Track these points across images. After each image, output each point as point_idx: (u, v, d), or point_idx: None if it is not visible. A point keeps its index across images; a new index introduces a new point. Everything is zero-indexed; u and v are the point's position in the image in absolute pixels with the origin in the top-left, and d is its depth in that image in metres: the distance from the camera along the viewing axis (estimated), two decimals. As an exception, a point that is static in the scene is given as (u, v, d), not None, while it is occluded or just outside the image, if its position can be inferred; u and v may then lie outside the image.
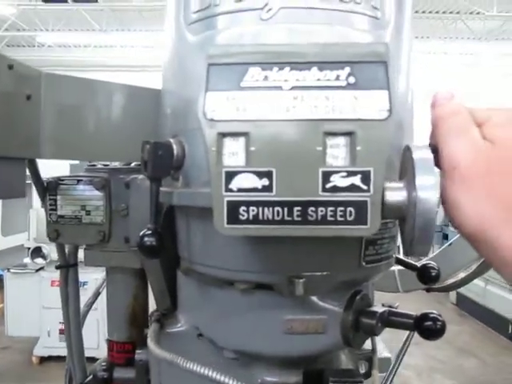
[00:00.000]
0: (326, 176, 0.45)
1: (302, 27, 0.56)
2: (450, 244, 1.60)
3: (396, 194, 0.47)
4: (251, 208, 0.45)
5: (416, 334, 0.64)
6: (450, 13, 9.54)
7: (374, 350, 0.73)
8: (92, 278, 3.36)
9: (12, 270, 4.99)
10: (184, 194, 0.60)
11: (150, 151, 0.56)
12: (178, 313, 0.74)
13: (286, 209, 0.45)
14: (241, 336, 0.64)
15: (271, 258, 0.57)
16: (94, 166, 0.85)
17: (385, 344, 1.91)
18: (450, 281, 1.39)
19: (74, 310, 0.95)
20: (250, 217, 0.45)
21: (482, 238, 0.46)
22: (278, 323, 0.61)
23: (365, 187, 0.45)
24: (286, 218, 0.45)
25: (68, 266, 0.93)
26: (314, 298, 0.61)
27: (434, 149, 0.49)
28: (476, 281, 1.73)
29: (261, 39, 0.57)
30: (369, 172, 0.45)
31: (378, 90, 0.45)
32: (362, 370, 0.75)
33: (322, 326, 0.61)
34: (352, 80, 0.46)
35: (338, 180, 0.45)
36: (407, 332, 1.10)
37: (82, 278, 0.97)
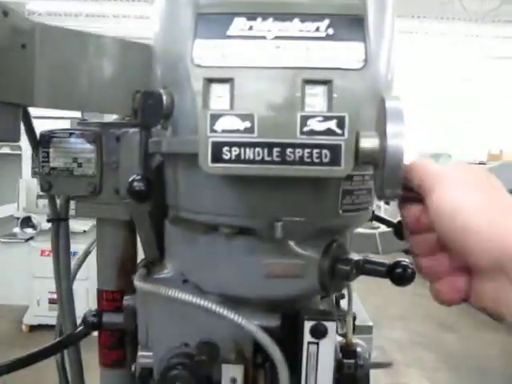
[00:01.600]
0: (304, 120, 0.48)
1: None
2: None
3: (369, 140, 0.50)
4: (234, 148, 0.49)
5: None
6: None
7: (349, 300, 0.78)
8: (81, 248, 3.37)
9: (1, 240, 5.02)
10: (172, 142, 0.63)
11: (140, 100, 0.59)
12: (165, 261, 0.78)
13: (266, 149, 0.49)
14: (224, 280, 0.68)
15: (253, 202, 0.61)
16: (86, 120, 0.87)
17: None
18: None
19: (65, 263, 0.98)
20: (233, 156, 0.49)
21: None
22: (259, 267, 0.65)
23: (340, 131, 0.48)
24: (266, 158, 0.49)
25: (59, 220, 0.96)
26: (293, 244, 0.65)
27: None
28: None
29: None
30: (344, 117, 0.48)
31: (354, 41, 0.49)
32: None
33: (299, 270, 0.65)
34: (331, 31, 0.49)
35: (314, 124, 0.48)
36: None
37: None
